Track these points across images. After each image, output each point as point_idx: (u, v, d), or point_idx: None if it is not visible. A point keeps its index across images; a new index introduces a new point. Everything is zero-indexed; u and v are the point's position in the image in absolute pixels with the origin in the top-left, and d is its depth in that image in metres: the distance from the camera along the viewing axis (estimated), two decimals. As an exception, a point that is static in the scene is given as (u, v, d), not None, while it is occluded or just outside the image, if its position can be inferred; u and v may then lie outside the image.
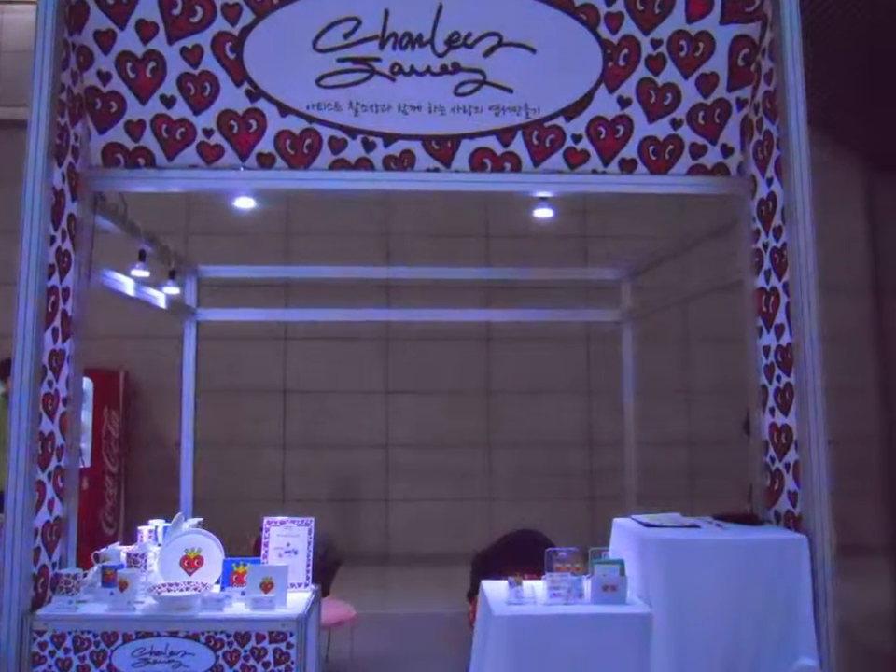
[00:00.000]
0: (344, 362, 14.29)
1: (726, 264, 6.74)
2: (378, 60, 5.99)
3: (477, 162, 6.21)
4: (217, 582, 5.65)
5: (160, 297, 7.78)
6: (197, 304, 8.87)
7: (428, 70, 6.02)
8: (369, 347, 14.34)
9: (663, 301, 9.93)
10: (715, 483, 10.04)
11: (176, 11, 5.85)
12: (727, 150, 6.33)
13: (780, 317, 5.89)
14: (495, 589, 5.81)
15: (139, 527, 6.36)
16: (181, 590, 5.42)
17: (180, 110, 6.04)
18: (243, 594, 5.44)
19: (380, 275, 12.46)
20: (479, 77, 6.03)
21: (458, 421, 14.34)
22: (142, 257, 7.34)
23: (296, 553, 5.87)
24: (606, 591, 5.46)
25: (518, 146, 6.19)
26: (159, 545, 6.10)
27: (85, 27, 5.80)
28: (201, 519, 6.69)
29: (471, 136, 6.16)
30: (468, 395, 14.51)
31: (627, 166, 6.29)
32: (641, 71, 6.09)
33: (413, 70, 6.01)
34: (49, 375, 5.47)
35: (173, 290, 8.23)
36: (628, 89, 6.13)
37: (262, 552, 5.87)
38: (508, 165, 6.23)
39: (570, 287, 10.70)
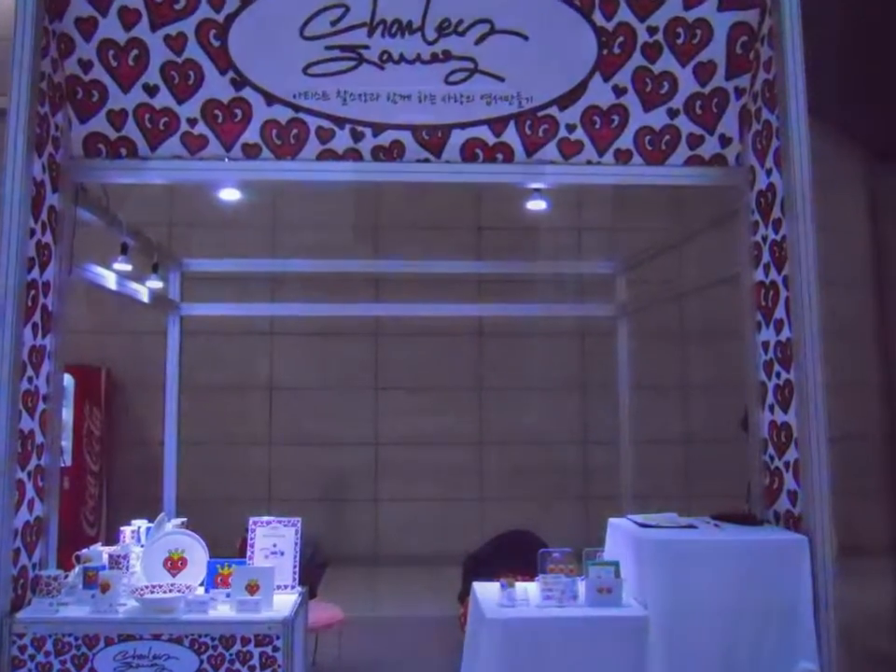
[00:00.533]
0: (332, 358, 14.27)
1: (724, 257, 6.75)
2: (367, 47, 5.98)
3: (468, 153, 6.21)
4: (202, 584, 5.65)
5: (142, 291, 7.77)
6: (181, 298, 8.86)
7: (418, 58, 6.01)
8: (357, 342, 14.33)
9: (659, 296, 9.94)
10: (712, 482, 10.05)
11: (160, -2, 5.86)
12: (725, 140, 6.34)
13: (780, 312, 5.90)
14: (487, 591, 5.82)
15: (121, 528, 6.35)
16: (164, 592, 5.42)
17: (163, 99, 6.03)
18: (228, 596, 5.43)
19: (369, 269, 12.47)
20: (470, 65, 6.03)
21: (449, 418, 14.34)
22: (124, 250, 7.32)
23: (282, 554, 5.86)
24: (601, 593, 5.47)
25: (510, 136, 6.19)
26: (141, 546, 6.09)
27: (66, 14, 5.79)
28: (184, 519, 6.69)
29: (462, 126, 6.16)
30: (459, 391, 14.50)
31: (622, 157, 6.30)
32: (637, 59, 6.09)
33: (402, 58, 6.00)
34: (29, 371, 5.46)
35: (156, 284, 8.21)
36: (624, 77, 6.13)
37: (248, 553, 5.86)
38: (500, 156, 6.23)
39: (564, 280, 10.73)
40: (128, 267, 7.35)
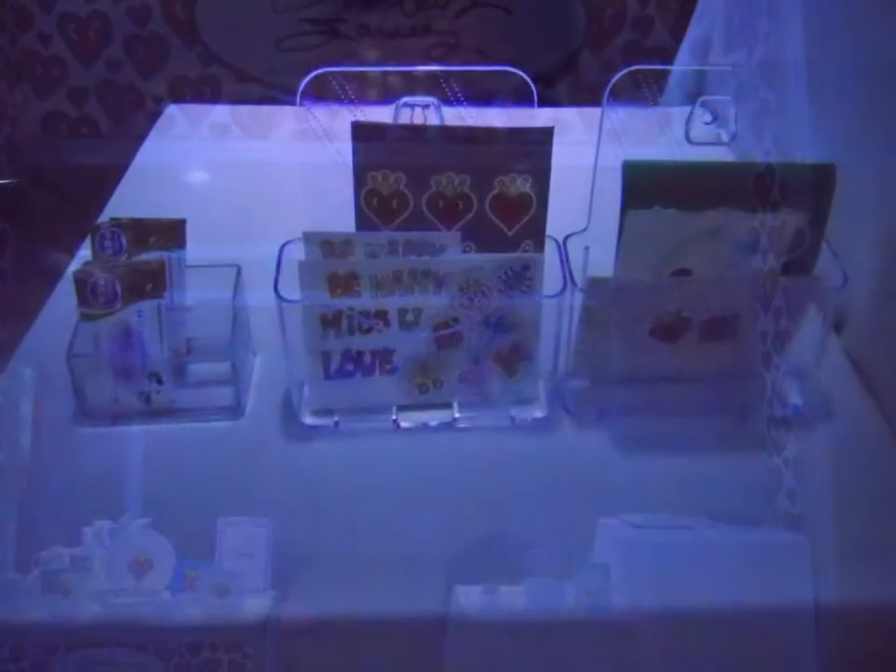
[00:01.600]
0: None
1: (722, 245, 6.76)
2: (342, 21, 5.97)
3: (449, 131, 6.19)
4: (168, 588, 5.64)
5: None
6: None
7: (397, 32, 6.00)
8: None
9: (654, 285, 9.96)
10: (709, 480, 10.06)
11: (123, -33, 5.84)
12: (721, 120, 6.34)
13: (778, 300, 5.89)
14: (470, 594, 5.81)
15: (83, 528, 6.34)
16: (129, 596, 5.41)
17: (127, 76, 6.00)
18: (195, 600, 5.42)
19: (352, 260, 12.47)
20: (451, 39, 6.02)
21: (432, 409, 14.30)
22: (87, 234, 7.31)
23: (253, 555, 5.85)
24: (590, 596, 5.47)
25: (494, 114, 6.18)
26: (104, 547, 6.08)
27: (23, -16, 5.78)
28: (150, 519, 6.67)
29: (444, 103, 6.15)
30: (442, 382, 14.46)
31: (612, 136, 6.29)
32: (627, 34, 6.08)
33: (380, 32, 5.98)
34: (-14, 364, 5.45)
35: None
36: (613, 53, 6.12)
37: (217, 554, 5.85)
38: (484, 135, 6.22)
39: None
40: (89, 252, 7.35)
